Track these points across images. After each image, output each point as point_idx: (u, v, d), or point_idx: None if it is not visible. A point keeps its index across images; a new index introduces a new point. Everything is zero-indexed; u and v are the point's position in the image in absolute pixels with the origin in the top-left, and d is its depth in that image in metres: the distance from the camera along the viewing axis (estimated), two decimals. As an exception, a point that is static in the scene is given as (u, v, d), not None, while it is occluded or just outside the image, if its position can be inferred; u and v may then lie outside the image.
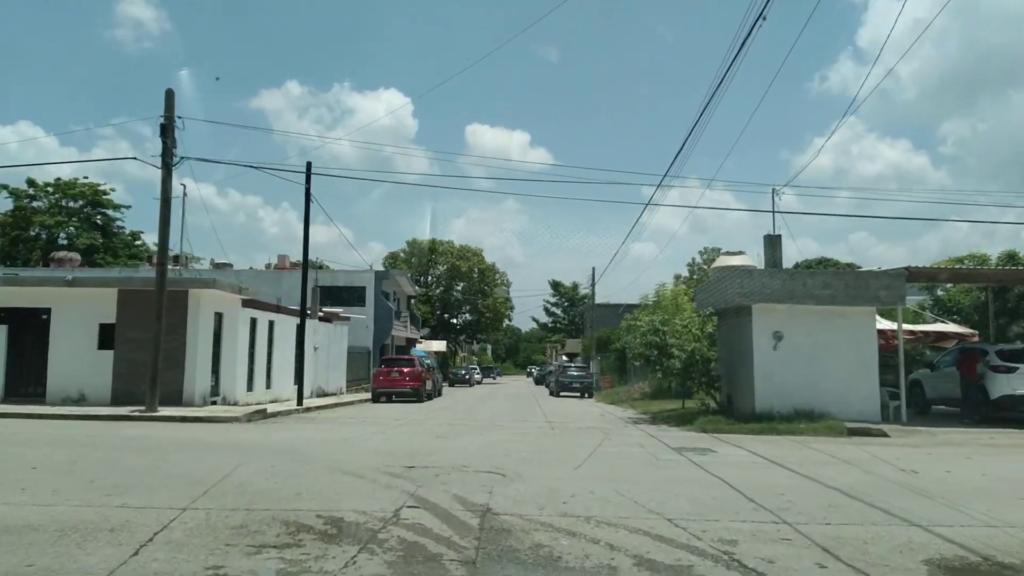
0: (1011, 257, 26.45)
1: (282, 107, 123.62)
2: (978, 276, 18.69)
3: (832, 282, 16.78)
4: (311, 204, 21.92)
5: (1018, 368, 16.28)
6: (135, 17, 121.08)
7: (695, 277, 48.36)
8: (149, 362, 16.67)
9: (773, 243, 18.05)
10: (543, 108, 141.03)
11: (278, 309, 24.35)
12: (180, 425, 15.34)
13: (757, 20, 12.74)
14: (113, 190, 56.68)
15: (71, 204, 54.85)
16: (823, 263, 38.95)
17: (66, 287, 18.61)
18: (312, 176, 21.86)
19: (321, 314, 29.61)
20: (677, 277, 46.66)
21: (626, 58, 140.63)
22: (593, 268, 53.66)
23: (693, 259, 62.15)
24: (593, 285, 53.04)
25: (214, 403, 19.27)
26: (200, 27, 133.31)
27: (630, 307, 38.22)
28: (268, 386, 23.43)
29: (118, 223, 56.53)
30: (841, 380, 16.95)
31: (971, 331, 24.32)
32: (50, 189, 53.25)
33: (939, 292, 28.93)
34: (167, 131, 17.03)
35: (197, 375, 18.39)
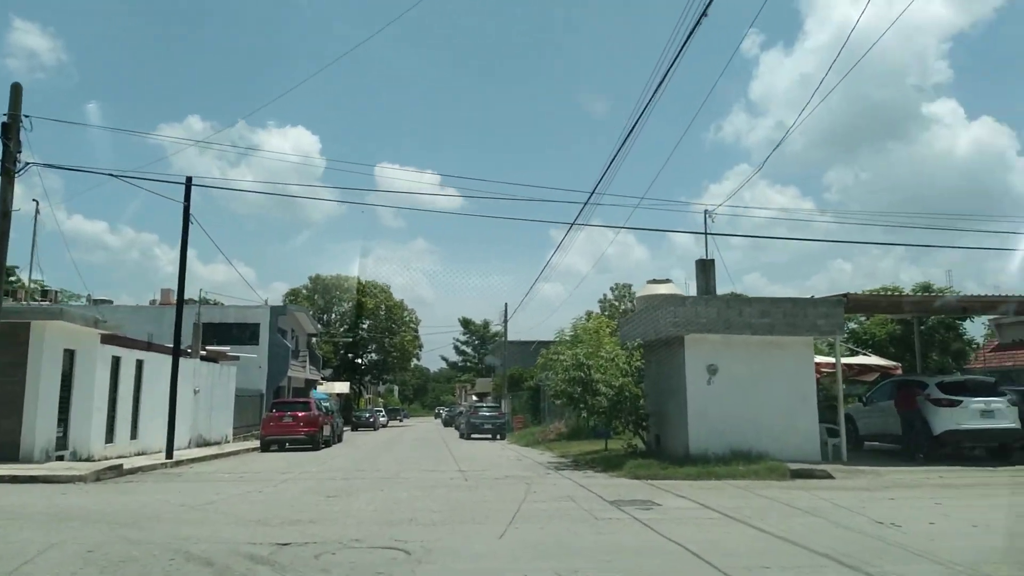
0: (926, 288, 26.32)
1: (181, 135, 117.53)
2: (919, 304, 17.87)
3: (770, 310, 15.51)
4: (191, 226, 19.20)
5: (961, 401, 15.34)
6: (29, 47, 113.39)
7: (606, 313, 47.28)
8: (-28, 410, 13.57)
9: (706, 268, 16.73)
10: (454, 150, 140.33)
11: (149, 347, 21.26)
12: (2, 487, 12.33)
13: (671, 66, 11.63)
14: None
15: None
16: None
17: None
18: (193, 192, 19.20)
19: (204, 353, 26.48)
20: (589, 314, 45.36)
21: (538, 101, 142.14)
22: (506, 304, 52.23)
23: (604, 295, 61.39)
24: (506, 321, 51.32)
25: (60, 458, 16.10)
26: (97, 58, 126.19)
27: (543, 344, 36.58)
28: (134, 436, 20.22)
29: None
30: (779, 416, 15.61)
31: (894, 363, 23.81)
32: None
33: (852, 325, 28.59)
34: (10, 131, 14.18)
35: (38, 425, 15.23)
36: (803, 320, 15.65)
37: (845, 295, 15.88)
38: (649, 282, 19.23)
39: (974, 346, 32.89)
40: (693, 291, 18.76)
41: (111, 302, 44.23)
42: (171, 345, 20.20)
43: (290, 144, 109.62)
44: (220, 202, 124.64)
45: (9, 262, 14.96)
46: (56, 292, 36.77)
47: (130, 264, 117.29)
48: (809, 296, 16.07)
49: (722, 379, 15.70)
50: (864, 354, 24.33)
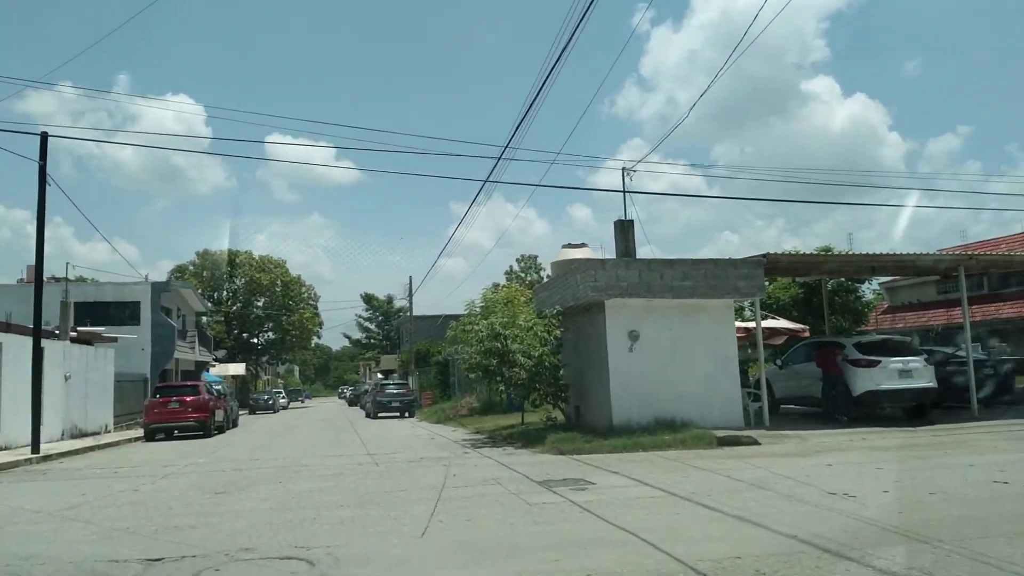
0: (827, 251, 26.66)
1: (53, 111, 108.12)
2: (844, 263, 17.63)
3: (691, 272, 14.85)
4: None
5: (879, 362, 15.21)
6: None
7: (514, 284, 46.40)
8: None
9: (625, 229, 15.90)
10: (348, 118, 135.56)
11: (8, 328, 18.74)
12: None
13: (566, 46, 10.64)
14: None
15: None
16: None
17: None
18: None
19: (74, 334, 23.81)
20: (496, 286, 44.38)
21: (436, 70, 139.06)
22: (411, 277, 50.63)
23: (511, 267, 60.61)
24: (411, 295, 49.68)
25: None
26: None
27: (450, 318, 35.37)
28: (-8, 430, 17.77)
29: None
30: (701, 382, 15.09)
31: (801, 326, 23.98)
32: None
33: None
34: None
35: None
36: (724, 282, 15.11)
37: (765, 255, 15.42)
38: (564, 247, 18.33)
39: (869, 309, 34.01)
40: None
41: (-31, 282, 39.88)
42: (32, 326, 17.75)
43: (171, 114, 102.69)
44: (98, 175, 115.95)
45: None
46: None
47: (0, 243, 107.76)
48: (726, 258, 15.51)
49: (644, 345, 15.01)
50: (772, 318, 24.42)
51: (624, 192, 17.32)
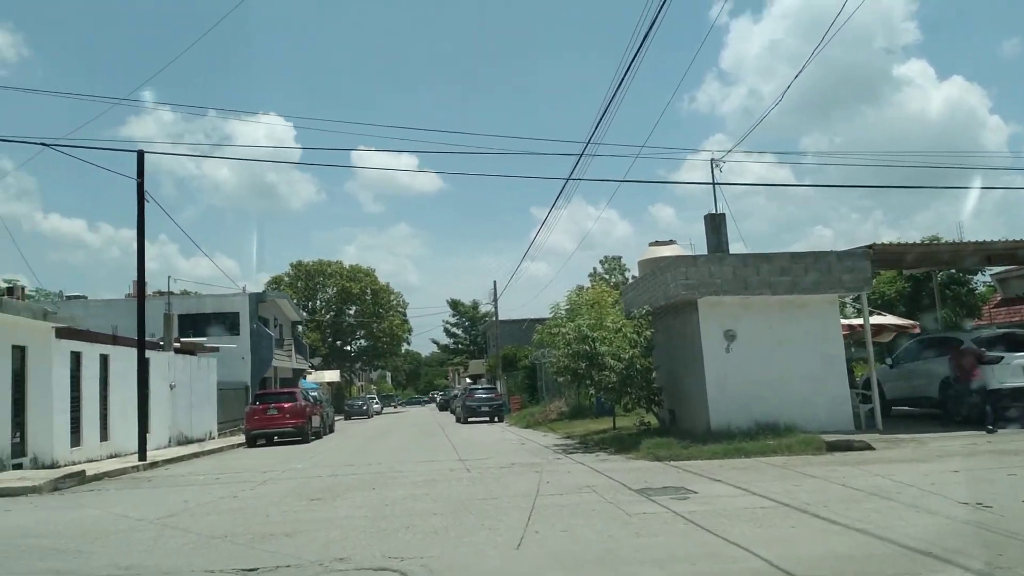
0: (934, 241, 25.03)
1: (153, 134, 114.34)
2: (954, 252, 16.34)
3: (791, 267, 14.06)
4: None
5: (1003, 358, 13.99)
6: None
7: (600, 284, 45.70)
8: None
9: (716, 223, 15.20)
10: (429, 122, 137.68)
11: (115, 340, 19.61)
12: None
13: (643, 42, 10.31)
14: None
15: None
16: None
17: None
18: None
19: (178, 345, 24.81)
20: (580, 288, 43.83)
21: (510, 84, 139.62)
22: (495, 282, 50.64)
23: (594, 269, 59.88)
24: (496, 299, 49.74)
25: (18, 466, 14.50)
26: (60, 51, 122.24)
27: (536, 321, 35.09)
28: (104, 438, 18.61)
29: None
30: (806, 383, 14.27)
31: (911, 322, 22.57)
32: None
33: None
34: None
35: (-14, 432, 13.66)
36: (827, 276, 14.23)
37: (870, 246, 14.45)
38: (652, 244, 17.73)
39: (982, 301, 31.79)
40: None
41: (85, 298, 42.40)
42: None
43: (263, 132, 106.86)
44: (198, 195, 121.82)
45: None
46: (22, 288, 34.85)
47: (110, 262, 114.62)
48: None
49: (741, 345, 14.31)
50: (879, 313, 23.07)
51: (713, 184, 16.61)
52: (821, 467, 10.77)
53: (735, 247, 16.45)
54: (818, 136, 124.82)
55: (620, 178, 56.46)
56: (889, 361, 17.83)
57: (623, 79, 13.68)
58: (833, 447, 12.67)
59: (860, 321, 17.59)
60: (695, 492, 8.96)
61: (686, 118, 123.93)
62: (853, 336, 19.19)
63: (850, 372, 18.06)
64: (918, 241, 22.09)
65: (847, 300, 24.17)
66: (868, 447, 12.55)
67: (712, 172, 16.78)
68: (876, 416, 14.72)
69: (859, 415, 14.81)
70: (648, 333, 15.93)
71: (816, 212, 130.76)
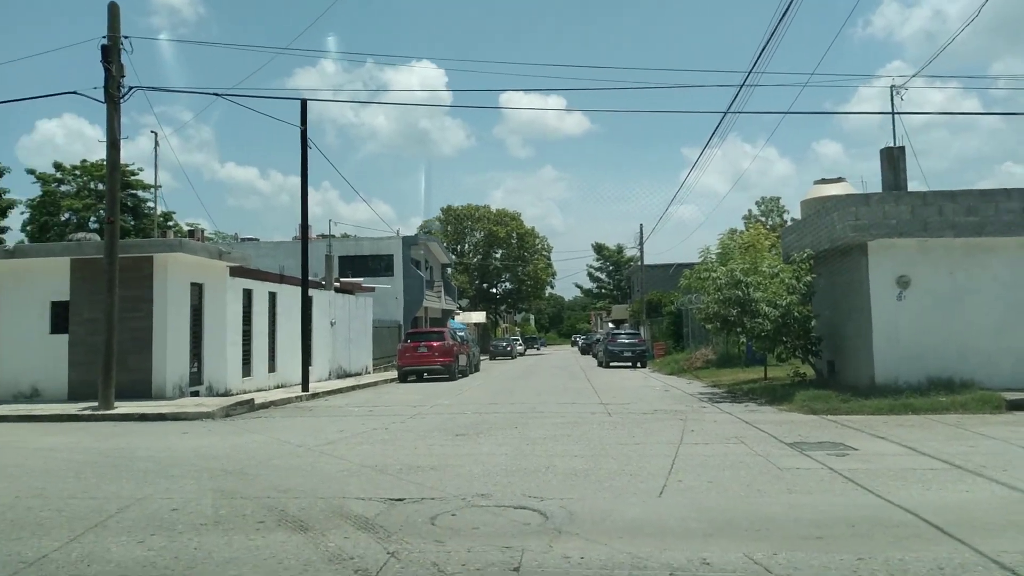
0: None
1: (316, 84, 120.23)
2: None
3: (979, 205, 12.58)
4: (310, 151, 18.34)
5: None
6: (168, 4, 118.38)
7: (760, 224, 43.48)
8: (102, 346, 13.36)
9: (894, 158, 13.76)
10: (578, 72, 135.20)
11: (281, 279, 20.95)
12: (130, 426, 12.01)
13: None
14: (141, 170, 54.11)
15: (99, 187, 52.58)
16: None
17: (8, 259, 15.39)
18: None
19: (338, 285, 26.19)
20: (733, 231, 41.88)
21: (663, 19, 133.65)
22: (641, 225, 49.36)
23: (749, 211, 57.25)
24: (641, 244, 48.77)
25: (195, 393, 15.94)
26: (228, 10, 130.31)
27: (683, 266, 34.00)
28: (272, 369, 20.10)
29: (148, 203, 54.19)
30: (989, 336, 12.92)
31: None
32: (77, 172, 51.16)
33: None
34: (111, 54, 13.46)
35: (169, 360, 15.01)
36: (1021, 216, 12.62)
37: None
38: (817, 182, 16.40)
39: None
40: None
41: (257, 240, 45.71)
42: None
43: (417, 78, 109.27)
44: (357, 143, 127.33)
45: (173, 208, 14.40)
46: (202, 231, 38.04)
47: (280, 207, 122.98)
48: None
49: (915, 293, 13.08)
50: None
51: (893, 113, 15.02)
52: (1001, 427, 9.75)
53: (913, 186, 14.93)
54: (1011, 61, 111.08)
55: (784, 111, 52.81)
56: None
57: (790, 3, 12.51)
58: (1015, 406, 11.47)
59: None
60: (855, 449, 8.33)
61: (859, 44, 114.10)
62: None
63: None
64: None
65: None
66: (1059, 408, 11.23)
67: (892, 100, 15.21)
68: (1073, 374, 13.08)
69: (1052, 372, 13.22)
70: (808, 279, 14.92)
71: (1006, 146, 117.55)
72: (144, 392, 14.71)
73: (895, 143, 15.17)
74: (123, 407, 13.32)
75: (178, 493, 6.56)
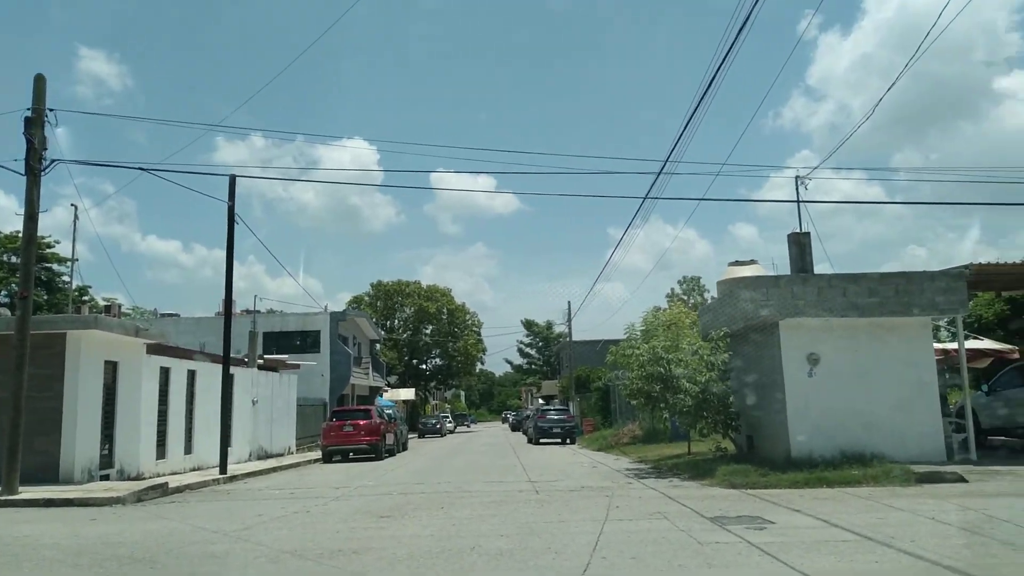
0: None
1: (245, 158, 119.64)
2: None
3: (879, 288, 13.44)
4: (236, 225, 18.21)
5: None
6: (95, 74, 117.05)
7: (682, 303, 44.77)
8: (7, 427, 12.67)
9: (801, 243, 14.67)
10: (506, 156, 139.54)
11: (201, 356, 20.35)
12: (35, 512, 11.35)
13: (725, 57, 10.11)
14: (58, 242, 52.12)
15: (12, 259, 50.30)
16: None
17: (-92, 336, 14.58)
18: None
19: (261, 362, 25.61)
20: (657, 309, 43.02)
21: (587, 104, 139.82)
22: (569, 303, 50.45)
23: (672, 290, 58.92)
24: (570, 320, 49.55)
25: (105, 477, 15.16)
26: (156, 81, 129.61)
27: (610, 343, 34.63)
28: (188, 451, 19.30)
29: (64, 277, 51.99)
30: (894, 411, 13.58)
31: (1010, 347, 21.21)
32: (-11, 243, 48.96)
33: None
34: (34, 126, 13.27)
35: (78, 442, 14.27)
36: (919, 297, 13.54)
37: (967, 266, 13.68)
38: (732, 264, 17.23)
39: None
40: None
41: (178, 315, 44.38)
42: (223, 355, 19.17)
43: (348, 155, 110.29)
44: (285, 219, 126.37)
45: (89, 282, 13.96)
46: (119, 306, 36.78)
47: (202, 281, 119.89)
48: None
49: (825, 370, 13.74)
50: (975, 338, 21.80)
51: (799, 202, 16.05)
52: (909, 499, 10.18)
53: (820, 268, 15.86)
54: (911, 152, 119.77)
55: (700, 196, 55.48)
56: (985, 388, 16.79)
57: (704, 94, 13.36)
58: (923, 479, 11.99)
59: (955, 345, 16.68)
60: (772, 522, 8.58)
61: (770, 135, 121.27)
62: (947, 361, 18.18)
63: (943, 400, 17.10)
64: (1019, 261, 20.81)
65: (941, 323, 22.97)
66: (961, 479, 11.83)
67: (797, 189, 16.29)
68: (970, 446, 13.86)
69: (952, 445, 13.99)
70: (726, 356, 15.49)
71: (909, 232, 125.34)
72: (51, 476, 13.92)
73: (800, 229, 16.10)
74: (28, 492, 12.58)
75: (82, 585, 6.25)
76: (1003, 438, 16.73)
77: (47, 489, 12.96)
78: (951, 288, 13.50)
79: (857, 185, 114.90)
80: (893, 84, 13.42)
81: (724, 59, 11.89)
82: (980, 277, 14.04)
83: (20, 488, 12.61)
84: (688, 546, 7.26)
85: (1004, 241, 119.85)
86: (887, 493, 10.96)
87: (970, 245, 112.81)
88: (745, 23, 11.19)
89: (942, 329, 25.48)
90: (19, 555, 7.67)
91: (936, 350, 15.80)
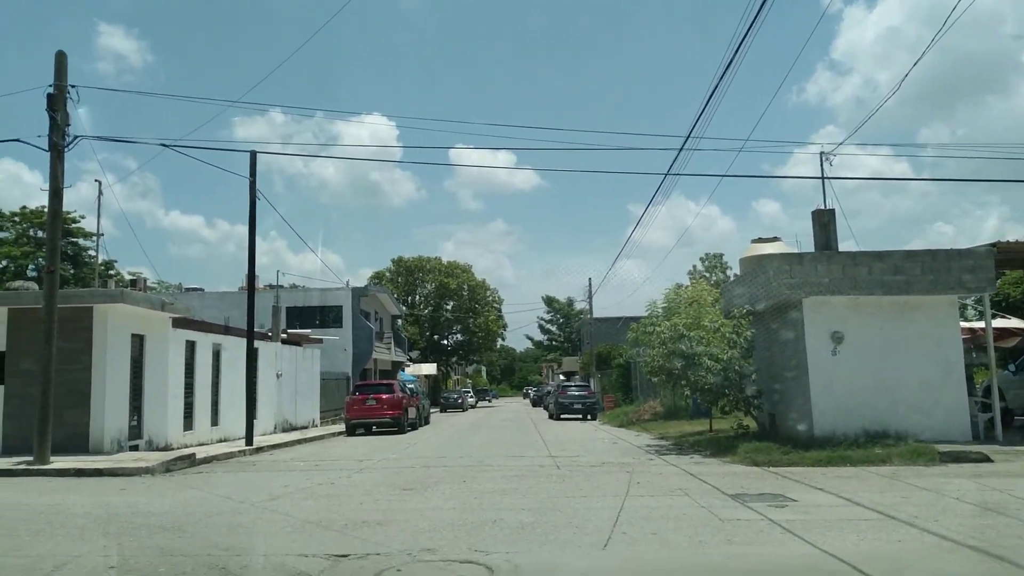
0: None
1: (265, 134, 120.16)
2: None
3: (905, 265, 13.26)
4: (258, 201, 18.34)
5: None
6: (115, 50, 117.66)
7: (704, 280, 44.50)
8: (37, 399, 12.95)
9: (825, 220, 14.46)
10: (527, 132, 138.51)
11: (226, 331, 20.63)
12: (66, 481, 11.62)
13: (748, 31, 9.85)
14: (83, 217, 52.79)
15: (39, 234, 51.07)
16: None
17: (-60, 309, 14.92)
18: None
19: (285, 336, 25.87)
20: (679, 286, 42.78)
21: (608, 78, 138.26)
22: (590, 279, 50.26)
23: (694, 266, 58.61)
24: (591, 297, 49.46)
25: (135, 448, 15.48)
26: (177, 57, 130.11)
27: (631, 319, 34.55)
28: (215, 423, 19.63)
29: (90, 252, 52.73)
30: (919, 390, 13.43)
31: (1039, 327, 20.88)
32: (16, 219, 49.72)
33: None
34: (56, 103, 13.41)
35: (107, 414, 14.60)
36: (946, 275, 13.34)
37: (995, 244, 13.45)
38: (755, 241, 17.05)
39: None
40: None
41: (202, 290, 44.90)
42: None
43: (367, 131, 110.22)
44: (306, 194, 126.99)
45: (115, 257, 14.18)
46: (144, 280, 37.28)
47: (226, 256, 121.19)
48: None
49: (849, 348, 13.60)
50: (1002, 316, 21.49)
51: (823, 178, 15.82)
52: (933, 479, 10.12)
53: (845, 245, 15.72)
54: (938, 128, 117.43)
55: (722, 173, 54.77)
56: (1012, 367, 16.56)
57: (727, 69, 13.21)
58: (947, 458, 11.89)
59: (982, 324, 16.45)
60: (794, 500, 8.57)
61: (793, 110, 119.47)
62: (973, 340, 17.93)
63: (969, 379, 16.90)
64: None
65: (968, 302, 22.65)
66: (986, 459, 11.72)
67: (822, 165, 16.05)
68: (996, 426, 13.71)
69: (977, 425, 13.83)
70: (748, 333, 15.40)
71: (935, 208, 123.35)
72: (81, 446, 14.25)
73: (825, 205, 15.92)
74: (59, 462, 12.88)
75: (116, 551, 6.41)
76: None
77: (78, 459, 13.27)
78: (978, 266, 13.28)
79: (884, 161, 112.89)
80: (920, 58, 13.16)
81: (747, 32, 11.70)
82: (1007, 255, 13.79)
83: (51, 458, 12.91)
84: (709, 523, 7.28)
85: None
86: (910, 472, 10.89)
87: (996, 223, 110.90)
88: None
89: (969, 308, 25.14)
90: (52, 523, 7.87)
91: (963, 329, 15.59)
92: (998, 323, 18.99)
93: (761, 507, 8.09)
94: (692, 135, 14.93)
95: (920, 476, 10.46)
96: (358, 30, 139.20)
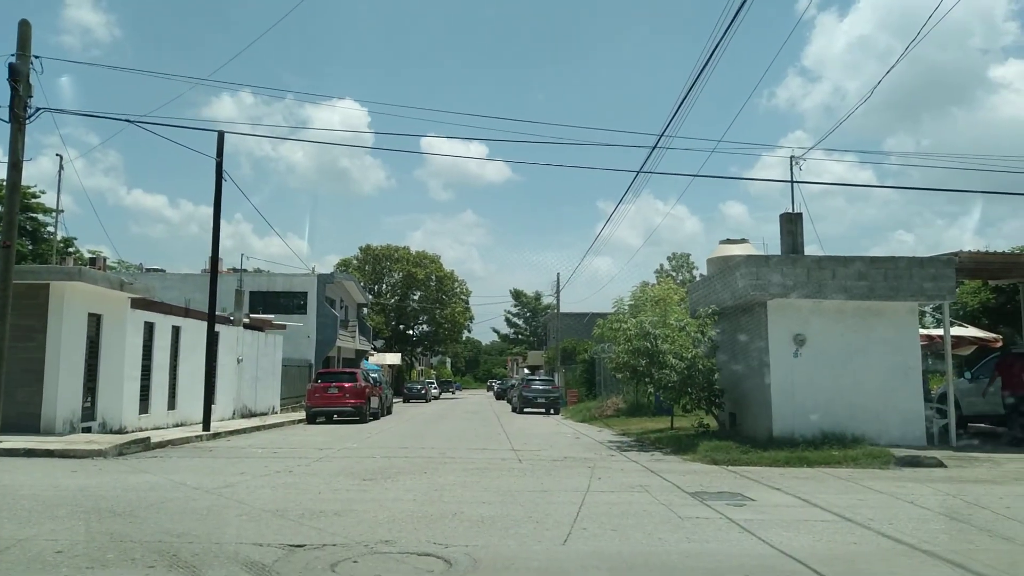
0: (1026, 252, 23.61)
1: (234, 114, 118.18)
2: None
3: (869, 271, 13.46)
4: (224, 183, 17.97)
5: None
6: (82, 23, 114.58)
7: (671, 279, 44.79)
8: (-11, 377, 12.55)
9: (792, 223, 14.64)
10: (499, 123, 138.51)
11: (187, 313, 20.21)
12: (15, 462, 11.27)
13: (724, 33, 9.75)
14: (43, 192, 51.28)
15: (-6, 208, 49.59)
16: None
17: None
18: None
19: (247, 321, 25.45)
20: (646, 284, 43.08)
21: (585, 75, 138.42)
22: (558, 274, 50.52)
23: (661, 265, 59.18)
24: (558, 292, 49.56)
25: (88, 430, 15.10)
26: (145, 34, 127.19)
27: (598, 315, 34.71)
28: (172, 407, 19.24)
29: (48, 228, 51.28)
30: (878, 394, 13.68)
31: (993, 335, 21.39)
32: (-29, 192, 48.22)
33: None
34: (18, 73, 12.96)
35: (60, 394, 14.20)
36: (907, 283, 13.58)
37: (956, 253, 13.72)
38: (723, 242, 17.20)
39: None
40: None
41: (163, 271, 43.99)
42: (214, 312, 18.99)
43: (338, 116, 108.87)
44: (273, 177, 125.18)
45: (74, 234, 13.73)
46: (104, 259, 36.36)
47: (188, 237, 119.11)
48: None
49: (811, 351, 13.80)
50: (960, 325, 21.97)
51: (792, 182, 15.99)
52: (888, 482, 10.28)
53: (810, 249, 15.86)
54: (903, 137, 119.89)
55: (693, 173, 55.28)
56: (968, 375, 16.93)
57: (700, 72, 13.27)
58: (903, 462, 12.11)
59: (940, 332, 16.79)
60: (752, 500, 8.65)
61: (764, 114, 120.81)
62: (930, 347, 18.32)
63: (925, 385, 17.26)
64: (1007, 251, 20.90)
65: (927, 309, 23.10)
66: (940, 464, 11.96)
67: (791, 169, 16.19)
68: (950, 432, 14.02)
69: (932, 431, 14.12)
70: (713, 333, 15.53)
71: (898, 216, 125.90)
72: (33, 426, 13.84)
73: (793, 209, 16.07)
74: (8, 441, 12.50)
75: (64, 535, 6.22)
76: (983, 425, 16.90)
77: (28, 439, 12.88)
78: (939, 275, 13.55)
79: (849, 168, 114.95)
80: (891, 68, 13.36)
81: (723, 36, 11.74)
82: (966, 265, 14.08)
83: (1, 437, 12.52)
84: (668, 520, 7.30)
85: (991, 230, 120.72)
86: (867, 475, 11.07)
87: (957, 233, 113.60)
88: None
89: (927, 315, 25.65)
90: (-2, 504, 7.62)
91: (921, 336, 15.91)
92: (955, 331, 19.41)
93: (720, 506, 8.14)
94: (665, 134, 14.93)
95: (876, 479, 10.63)
96: (331, 10, 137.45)
